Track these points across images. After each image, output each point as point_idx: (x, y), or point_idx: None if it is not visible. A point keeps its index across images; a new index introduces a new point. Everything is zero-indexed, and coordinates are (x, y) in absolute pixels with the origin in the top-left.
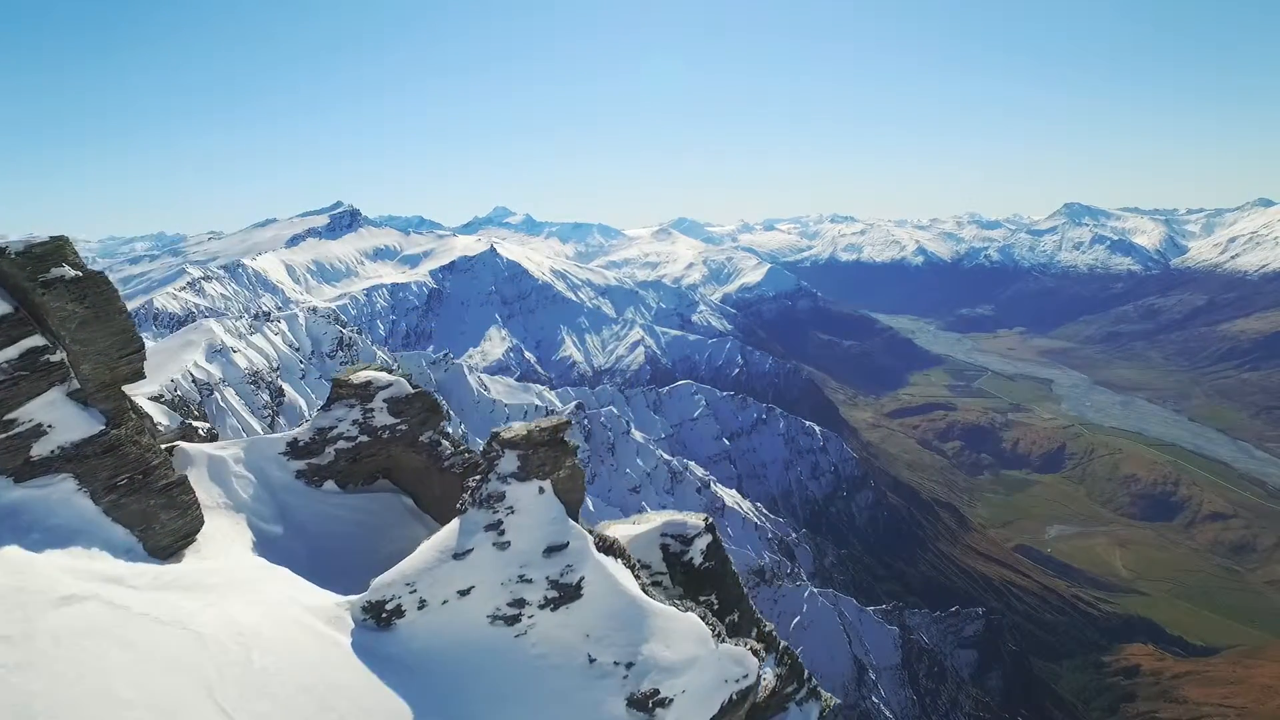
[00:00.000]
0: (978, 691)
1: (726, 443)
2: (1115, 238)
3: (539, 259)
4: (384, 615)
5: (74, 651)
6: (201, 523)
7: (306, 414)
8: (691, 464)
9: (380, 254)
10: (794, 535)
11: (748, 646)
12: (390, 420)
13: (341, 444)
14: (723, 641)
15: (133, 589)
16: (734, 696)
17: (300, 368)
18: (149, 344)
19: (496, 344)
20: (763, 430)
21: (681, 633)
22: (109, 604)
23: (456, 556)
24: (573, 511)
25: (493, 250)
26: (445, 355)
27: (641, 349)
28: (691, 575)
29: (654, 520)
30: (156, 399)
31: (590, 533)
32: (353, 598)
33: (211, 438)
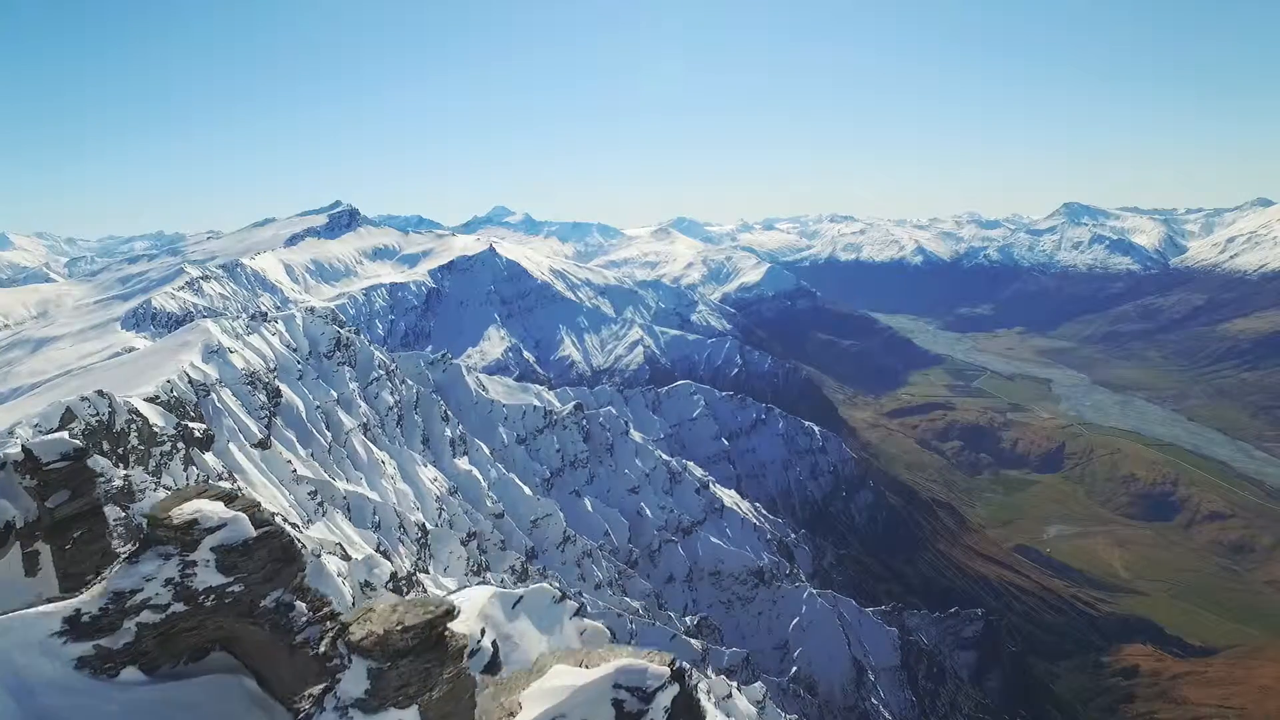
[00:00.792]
0: (977, 693)
1: (725, 443)
2: (1114, 237)
3: (538, 259)
4: None
5: None
6: None
7: (304, 416)
8: (690, 464)
9: (379, 254)
10: (793, 536)
11: None
12: (219, 580)
13: (147, 615)
14: None
15: None
16: None
17: (298, 368)
18: (147, 344)
19: (495, 344)
20: (762, 430)
21: None
22: None
23: None
24: None
25: (492, 250)
26: (443, 355)
27: (640, 349)
28: None
29: (606, 664)
30: (152, 400)
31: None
32: None
33: (208, 438)
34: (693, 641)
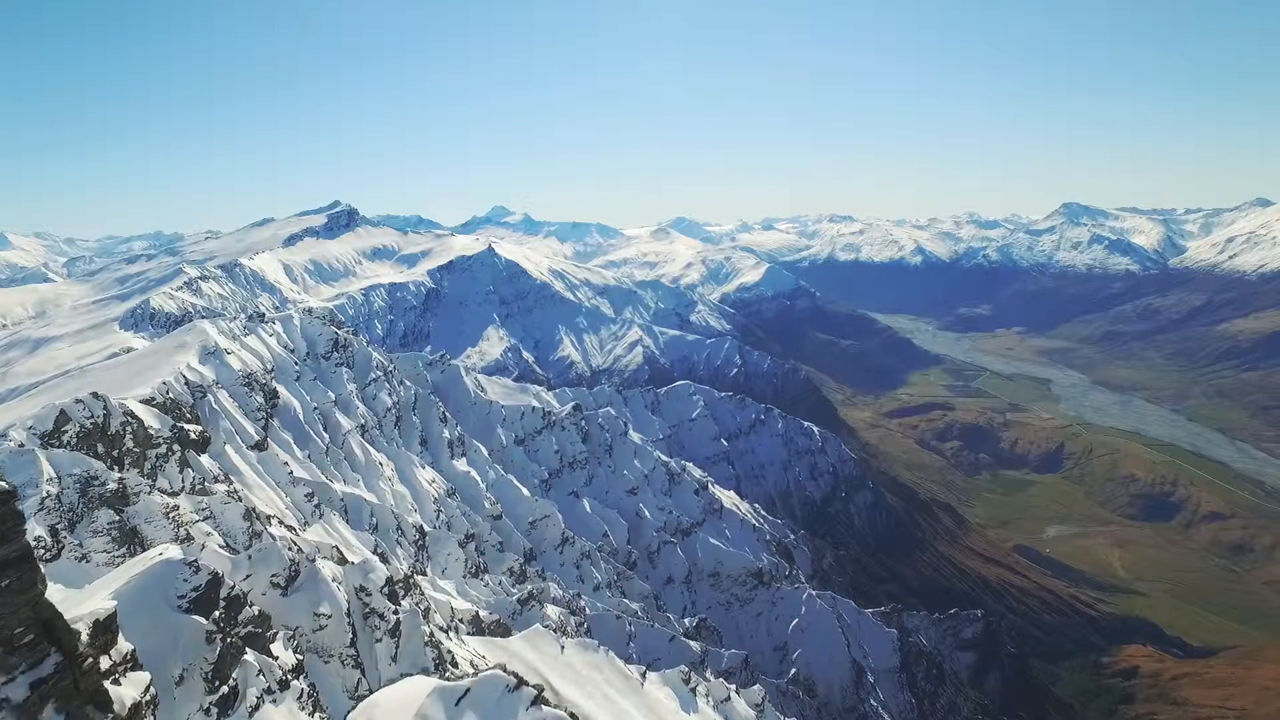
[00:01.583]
0: (976, 694)
1: (725, 443)
2: (1114, 237)
3: (537, 259)
4: None
5: None
6: None
7: (301, 417)
8: (689, 465)
9: (378, 254)
10: (792, 537)
11: None
12: None
13: None
14: None
15: None
16: None
17: (295, 369)
18: (145, 344)
19: (495, 344)
20: (761, 431)
21: None
22: None
23: None
24: None
25: (491, 250)
26: (442, 356)
27: (640, 349)
28: None
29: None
30: (148, 402)
31: None
32: None
33: (204, 440)
34: (692, 643)
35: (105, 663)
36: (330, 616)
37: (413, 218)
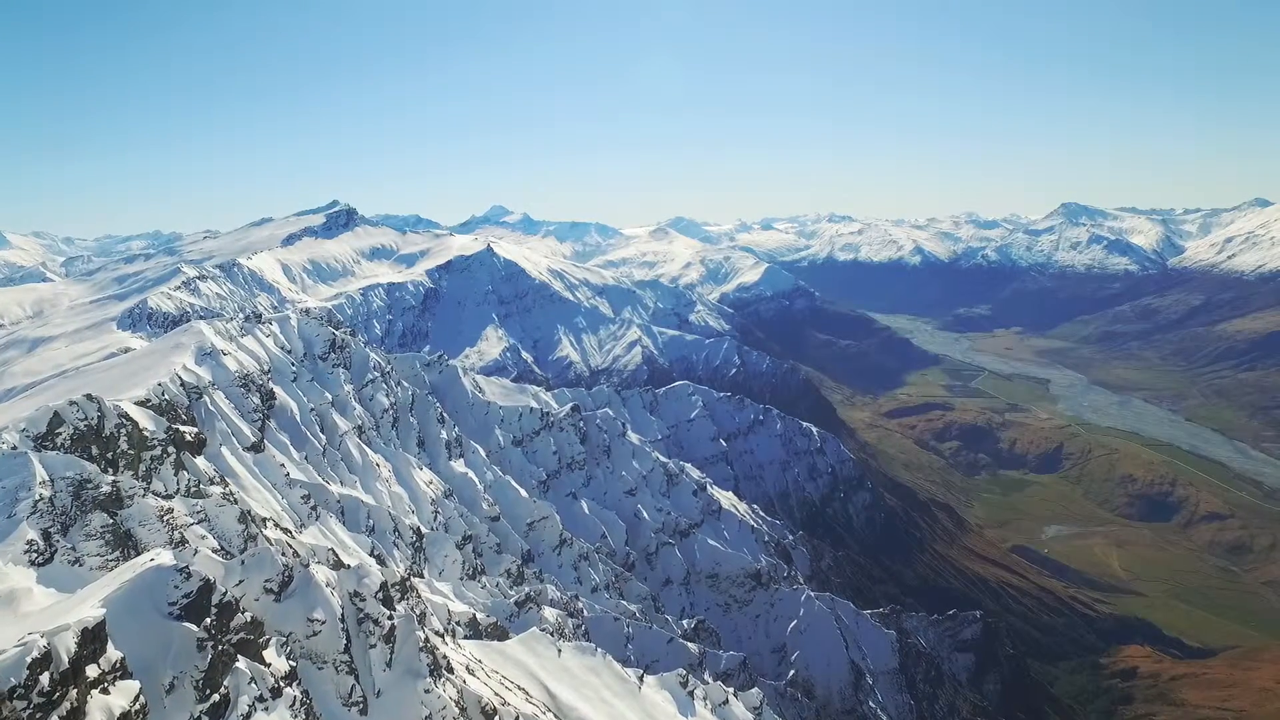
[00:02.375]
0: (975, 695)
1: (723, 444)
2: (1112, 238)
3: (536, 258)
4: None
5: None
6: None
7: (298, 419)
8: (688, 466)
9: (377, 253)
10: (791, 538)
11: None
12: None
13: None
14: None
15: None
16: None
17: (292, 370)
18: (142, 344)
19: (493, 344)
20: (760, 431)
21: None
22: None
23: None
24: None
25: (490, 250)
26: (439, 356)
27: (639, 349)
28: None
29: None
30: (143, 404)
31: None
32: None
33: (199, 442)
34: (690, 645)
35: (94, 671)
36: (324, 622)
37: (411, 217)
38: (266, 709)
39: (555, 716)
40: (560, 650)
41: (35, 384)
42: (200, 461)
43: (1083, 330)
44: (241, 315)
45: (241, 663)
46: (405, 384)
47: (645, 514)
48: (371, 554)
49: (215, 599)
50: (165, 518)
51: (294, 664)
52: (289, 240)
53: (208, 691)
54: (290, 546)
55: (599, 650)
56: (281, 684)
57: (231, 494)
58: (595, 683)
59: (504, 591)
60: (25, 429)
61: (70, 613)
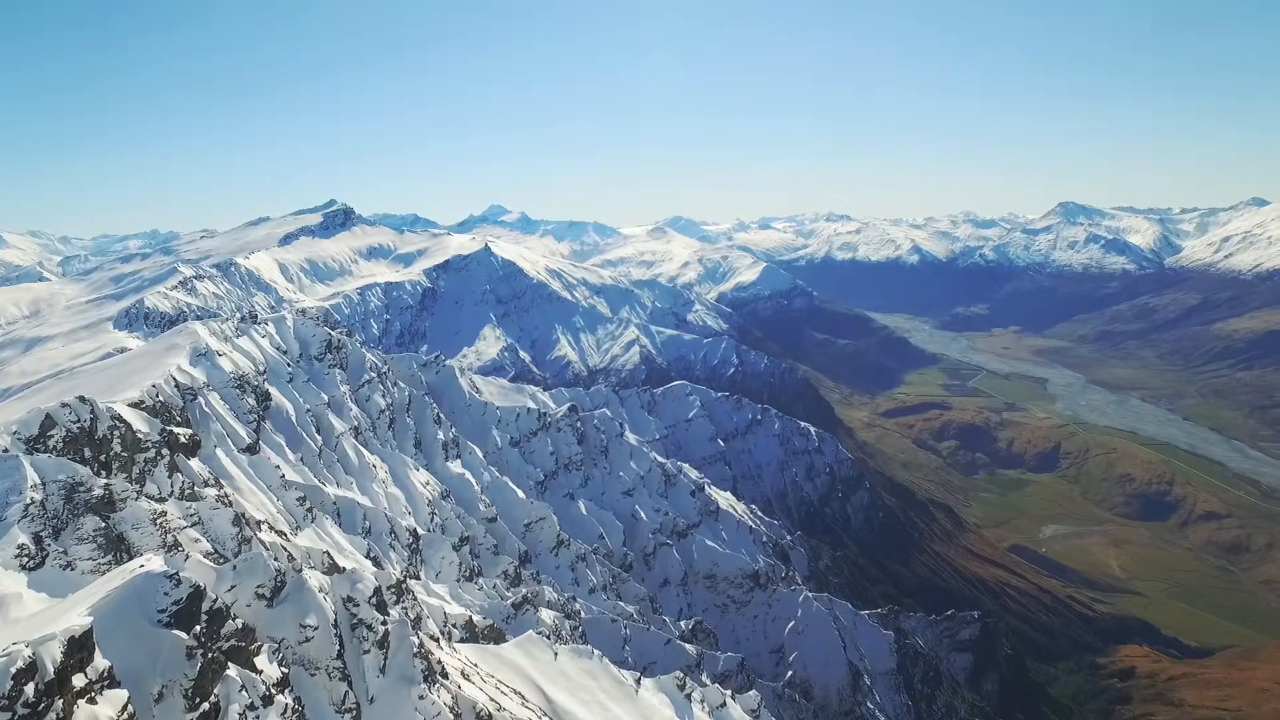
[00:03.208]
0: (973, 696)
1: (721, 444)
2: (1110, 237)
3: (534, 258)
4: None
5: None
6: None
7: (293, 420)
8: (686, 466)
9: (374, 253)
10: (789, 538)
11: None
12: None
13: None
14: None
15: None
16: None
17: (288, 371)
18: (139, 344)
19: (491, 343)
20: (757, 431)
21: None
22: None
23: None
24: None
25: (487, 249)
26: (436, 357)
27: (637, 348)
28: None
29: None
30: (137, 405)
31: None
32: None
33: (194, 444)
34: (687, 646)
35: (80, 681)
36: (317, 628)
37: (409, 216)
38: (258, 717)
39: None
40: (557, 653)
41: (31, 384)
42: (195, 463)
43: (1080, 329)
44: (238, 315)
45: (232, 670)
46: (402, 384)
47: (643, 514)
48: (368, 556)
49: (206, 605)
50: (158, 521)
51: (286, 671)
52: (286, 240)
53: (197, 700)
54: (285, 549)
55: (596, 653)
56: (273, 691)
57: (226, 496)
58: (592, 686)
59: (501, 593)
60: (17, 431)
61: (57, 621)
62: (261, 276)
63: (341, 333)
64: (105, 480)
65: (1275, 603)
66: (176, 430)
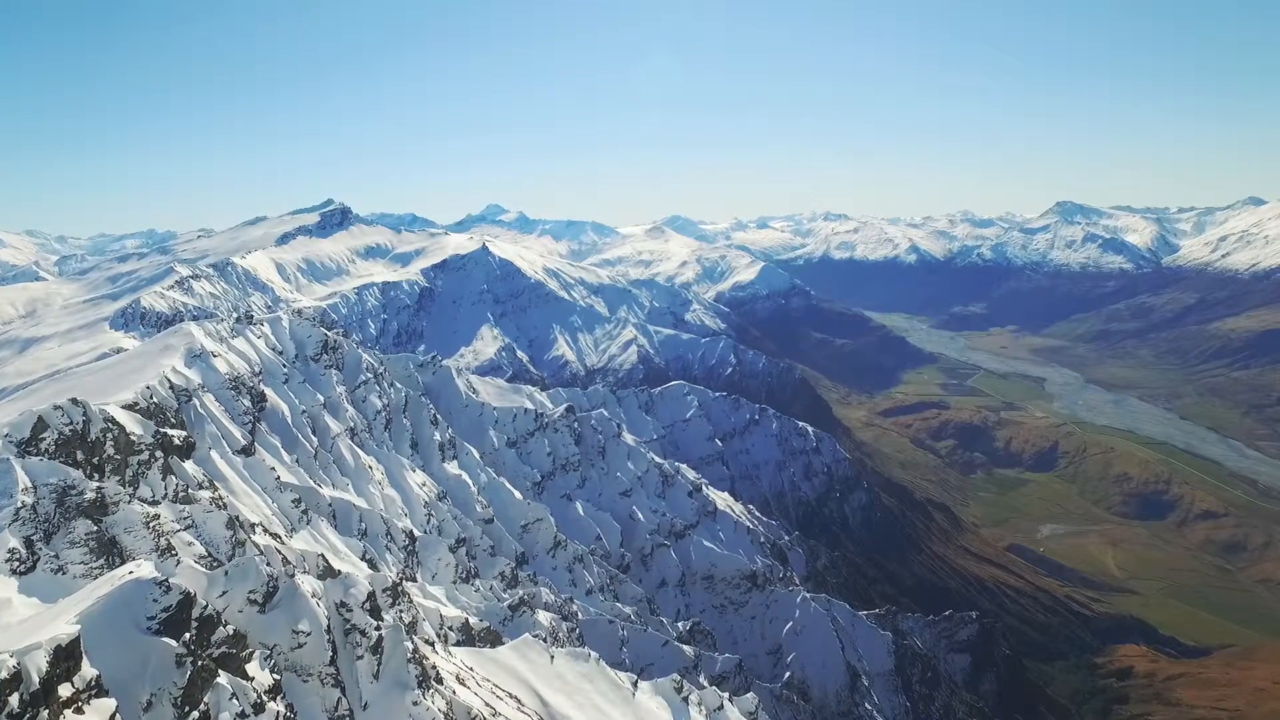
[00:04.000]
0: (971, 696)
1: (719, 444)
2: (1107, 236)
3: (532, 257)
4: None
5: None
6: None
7: (289, 421)
8: (683, 467)
9: (372, 252)
10: (786, 538)
11: None
12: None
13: None
14: None
15: None
16: None
17: (283, 372)
18: (135, 344)
19: (489, 343)
20: (755, 431)
21: None
22: None
23: None
24: None
25: (485, 249)
26: (433, 357)
27: (634, 348)
28: None
29: None
30: (131, 407)
31: None
32: None
33: (188, 446)
34: (685, 648)
35: (67, 691)
36: (309, 634)
37: (407, 216)
38: None
39: None
40: (553, 656)
41: (27, 385)
42: (189, 465)
43: (1078, 329)
44: (234, 316)
45: (223, 678)
46: (398, 385)
47: (640, 515)
48: (363, 558)
49: (196, 612)
50: (151, 524)
51: (278, 677)
52: (283, 239)
53: (186, 709)
54: (279, 552)
55: (592, 656)
56: (265, 698)
57: (220, 499)
58: (589, 689)
59: (498, 595)
60: (8, 434)
61: (44, 629)
62: (258, 276)
63: (338, 333)
64: (97, 483)
65: (1273, 601)
66: (170, 432)
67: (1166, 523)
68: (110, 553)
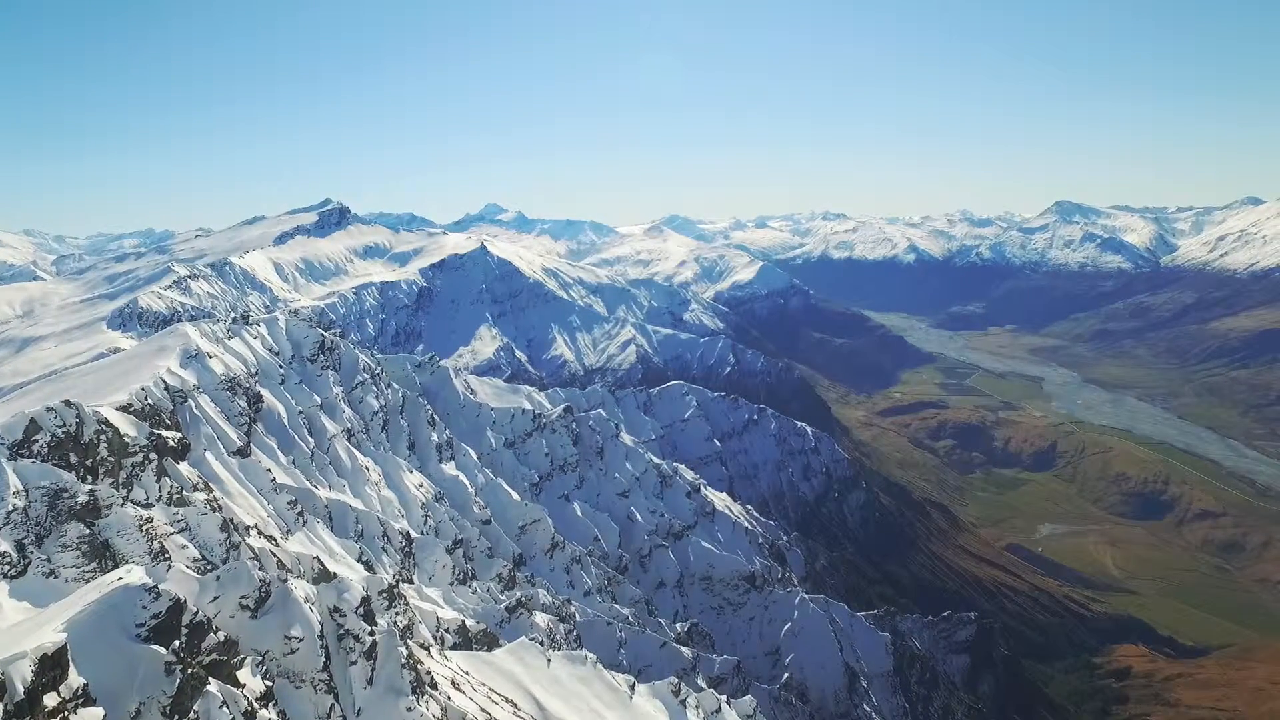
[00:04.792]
0: (970, 697)
1: (718, 444)
2: (1106, 235)
3: (530, 257)
4: None
5: None
6: None
7: (285, 422)
8: (681, 467)
9: (370, 252)
10: (785, 539)
11: None
12: None
13: None
14: None
15: None
16: None
17: (280, 373)
18: (132, 344)
19: (487, 343)
20: (754, 431)
21: None
22: None
23: None
24: None
25: (484, 248)
26: (431, 358)
27: (633, 348)
28: None
29: None
30: (125, 409)
31: None
32: None
33: (183, 448)
34: (683, 649)
35: (53, 700)
36: (302, 639)
37: (405, 215)
38: None
39: None
40: (550, 660)
41: (23, 385)
42: (184, 467)
43: (1076, 328)
44: (232, 316)
45: (213, 685)
46: (396, 386)
47: (638, 516)
48: (359, 560)
49: (186, 619)
50: (144, 527)
51: (270, 684)
52: (281, 239)
53: (176, 717)
54: (274, 555)
55: (590, 659)
56: (256, 705)
57: (214, 501)
58: (585, 693)
59: (495, 596)
60: (1, 437)
61: (30, 636)
62: (256, 276)
63: (335, 333)
64: (90, 486)
65: (1271, 601)
66: (165, 434)
67: (1165, 522)
68: (103, 556)
